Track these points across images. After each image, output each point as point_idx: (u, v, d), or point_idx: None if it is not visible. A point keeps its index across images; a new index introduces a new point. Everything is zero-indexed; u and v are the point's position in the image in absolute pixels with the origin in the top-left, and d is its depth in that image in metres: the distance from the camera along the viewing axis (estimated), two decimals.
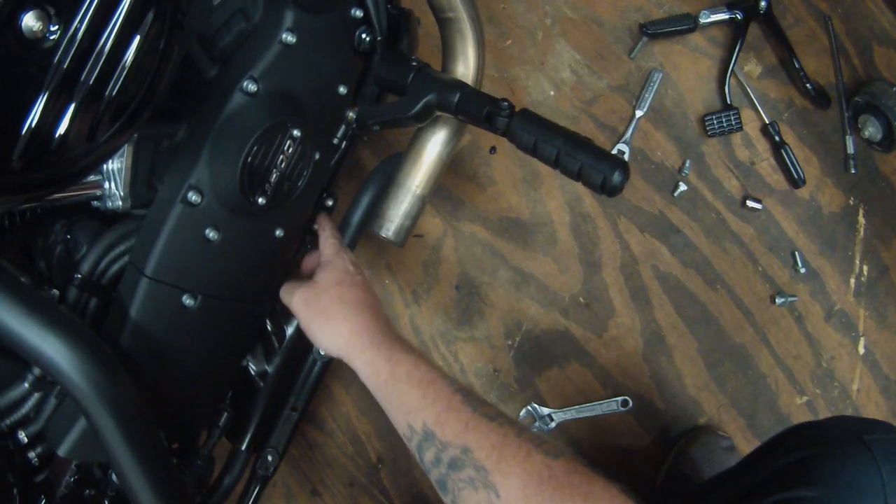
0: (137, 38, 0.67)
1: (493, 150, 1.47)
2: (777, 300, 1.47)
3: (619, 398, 1.44)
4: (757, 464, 0.93)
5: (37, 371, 0.83)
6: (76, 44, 0.62)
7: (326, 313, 0.87)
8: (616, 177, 0.86)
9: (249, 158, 0.85)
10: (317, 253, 1.01)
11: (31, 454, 0.87)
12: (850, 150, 1.50)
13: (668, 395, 1.46)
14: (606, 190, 0.87)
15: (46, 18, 0.59)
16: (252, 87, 0.86)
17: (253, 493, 1.14)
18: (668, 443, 1.45)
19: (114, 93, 0.67)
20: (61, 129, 0.64)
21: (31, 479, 0.90)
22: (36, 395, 0.85)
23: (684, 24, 1.46)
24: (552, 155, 0.91)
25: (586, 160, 0.88)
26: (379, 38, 1.03)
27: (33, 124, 0.61)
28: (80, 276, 0.86)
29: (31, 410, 0.86)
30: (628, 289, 1.47)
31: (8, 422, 0.85)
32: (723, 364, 1.47)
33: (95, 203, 0.87)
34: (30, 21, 0.58)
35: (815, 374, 1.47)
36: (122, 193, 0.86)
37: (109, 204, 0.86)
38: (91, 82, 0.65)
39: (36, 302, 0.72)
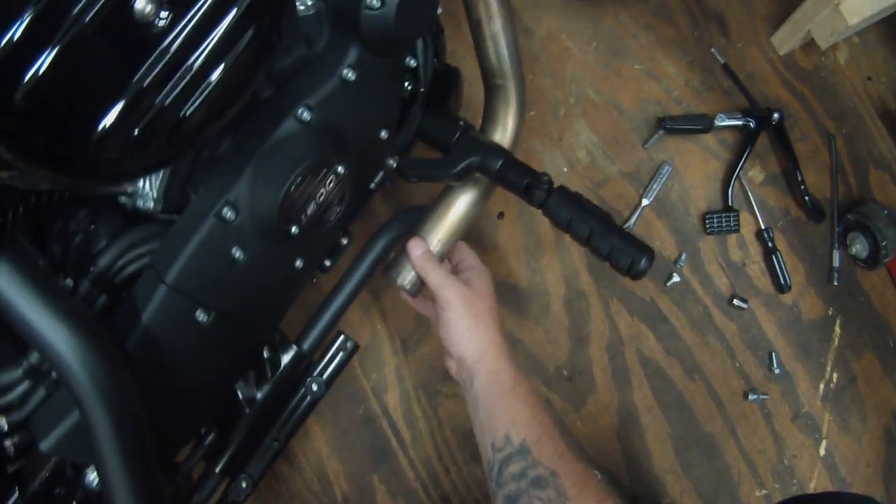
0: (227, 60, 0.66)
1: (500, 215, 1.51)
2: (750, 396, 1.52)
3: None
4: None
5: (33, 359, 0.81)
6: (168, 55, 0.62)
7: (479, 317, 0.91)
8: (643, 262, 0.94)
9: (293, 187, 0.85)
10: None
11: (8, 443, 0.84)
12: (836, 263, 1.57)
13: (636, 474, 1.50)
14: (632, 273, 0.94)
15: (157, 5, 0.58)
16: (306, 116, 0.86)
17: None
18: None
19: (189, 111, 0.67)
20: (132, 132, 0.63)
21: (4, 468, 0.86)
22: (26, 383, 0.82)
23: (700, 125, 1.53)
24: (585, 234, 0.96)
25: (617, 243, 0.94)
26: (421, 90, 1.05)
27: (108, 123, 0.61)
28: (96, 269, 0.84)
29: (17, 399, 0.82)
30: (611, 368, 1.51)
31: None
32: (691, 450, 1.51)
33: (123, 199, 0.85)
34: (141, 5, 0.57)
35: (777, 470, 1.52)
36: (155, 195, 0.84)
37: (140, 203, 0.85)
38: (171, 98, 0.64)
39: (51, 288, 0.69)
